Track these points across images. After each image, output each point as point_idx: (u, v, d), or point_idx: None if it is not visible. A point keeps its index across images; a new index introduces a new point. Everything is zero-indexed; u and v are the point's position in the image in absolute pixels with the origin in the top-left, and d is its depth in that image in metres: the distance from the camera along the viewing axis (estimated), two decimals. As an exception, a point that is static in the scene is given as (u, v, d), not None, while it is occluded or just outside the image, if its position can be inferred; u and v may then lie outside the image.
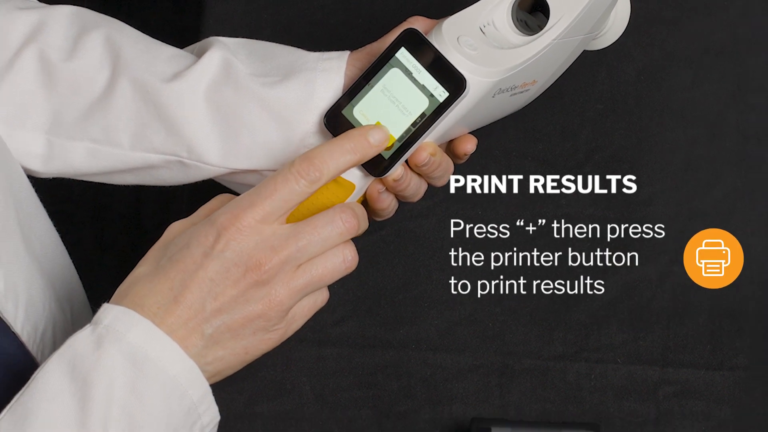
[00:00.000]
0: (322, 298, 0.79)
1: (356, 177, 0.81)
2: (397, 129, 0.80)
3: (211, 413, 0.76)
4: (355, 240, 0.85)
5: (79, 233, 1.72)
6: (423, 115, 0.80)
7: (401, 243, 1.06)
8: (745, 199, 1.07)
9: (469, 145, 0.87)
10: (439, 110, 0.79)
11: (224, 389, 0.86)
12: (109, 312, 0.74)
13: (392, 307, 1.05)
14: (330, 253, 0.77)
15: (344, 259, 0.77)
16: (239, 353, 0.76)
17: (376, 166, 0.80)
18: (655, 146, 1.08)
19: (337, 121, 0.81)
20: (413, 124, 0.80)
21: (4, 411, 0.72)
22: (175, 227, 0.78)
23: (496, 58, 0.80)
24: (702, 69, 1.09)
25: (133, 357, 0.73)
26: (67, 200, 1.77)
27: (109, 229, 1.76)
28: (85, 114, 0.89)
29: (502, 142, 1.07)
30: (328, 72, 0.86)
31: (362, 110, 0.81)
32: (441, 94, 0.80)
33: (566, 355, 1.04)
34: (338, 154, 0.77)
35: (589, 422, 1.00)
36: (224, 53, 0.88)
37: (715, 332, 1.03)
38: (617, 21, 1.01)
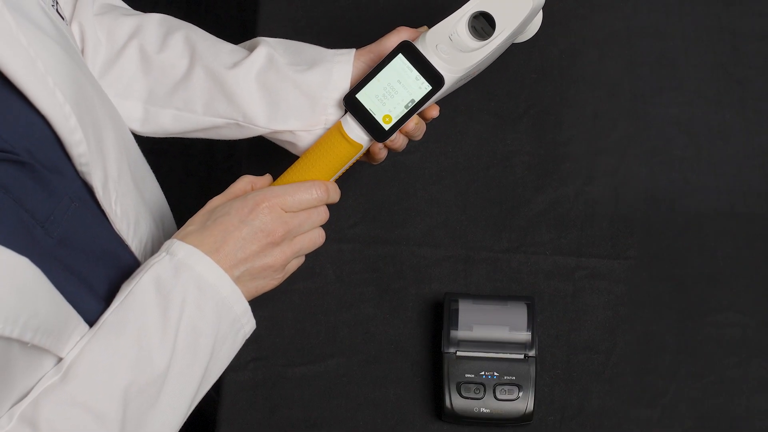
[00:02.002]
0: (302, 261, 0.92)
1: (364, 140, 0.95)
2: (396, 111, 0.94)
3: (251, 325, 0.88)
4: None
5: (170, 164, 1.82)
6: (413, 101, 0.94)
7: (396, 170, 1.15)
8: (635, 140, 1.17)
9: (435, 112, 0.98)
10: (424, 98, 0.94)
11: None
12: (181, 248, 0.84)
13: (390, 215, 1.13)
14: (312, 232, 0.90)
15: (319, 237, 0.91)
16: (251, 291, 0.88)
17: (380, 135, 0.94)
18: (572, 104, 1.19)
19: (351, 102, 0.94)
20: (405, 107, 0.94)
21: (110, 310, 0.81)
22: (214, 201, 0.89)
23: (460, 59, 0.93)
24: (605, 49, 1.22)
25: (198, 282, 0.83)
26: (163, 140, 1.81)
27: (192, 161, 1.85)
28: (171, 90, 0.99)
29: (466, 101, 1.19)
30: (341, 63, 0.97)
31: (370, 96, 0.94)
32: (426, 87, 0.93)
33: (511, 249, 1.12)
34: (335, 194, 0.92)
35: (527, 296, 1.05)
36: (268, 49, 0.98)
37: (614, 233, 1.12)
38: (534, 23, 1.04)
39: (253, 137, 1.01)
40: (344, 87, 0.96)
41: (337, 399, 1.05)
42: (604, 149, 1.17)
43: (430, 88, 0.93)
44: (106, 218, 0.84)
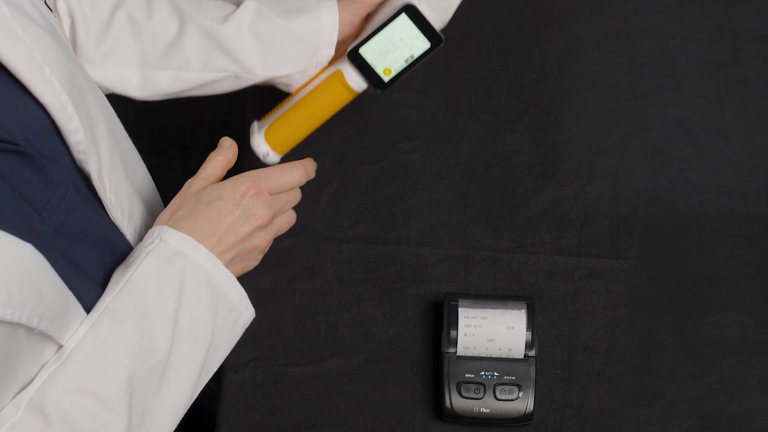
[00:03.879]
0: (270, 244, 0.95)
1: (362, 88, 1.03)
2: (396, 65, 1.01)
3: (249, 313, 0.90)
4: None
5: (170, 164, 1.83)
6: (412, 56, 1.01)
7: (396, 171, 1.15)
8: (635, 140, 1.17)
9: None
10: (423, 55, 1.01)
11: (272, 272, 1.07)
12: (174, 235, 0.85)
13: (390, 215, 1.13)
14: (289, 213, 0.95)
15: (293, 218, 0.96)
16: (238, 271, 0.91)
17: (380, 85, 1.02)
18: (572, 104, 1.19)
19: (355, 56, 1.01)
20: (405, 61, 1.01)
21: (109, 297, 0.81)
22: (196, 183, 0.90)
23: (445, 6, 1.00)
24: (605, 49, 1.22)
25: (194, 270, 0.85)
26: (163, 140, 1.88)
27: (192, 161, 1.86)
28: (165, 52, 1.01)
29: (466, 101, 1.18)
30: (327, 9, 1.02)
31: (372, 51, 1.01)
32: (426, 44, 1.01)
33: (511, 249, 1.11)
34: (312, 172, 0.95)
35: (526, 296, 1.04)
36: (254, 2, 1.02)
37: (614, 233, 1.12)
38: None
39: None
40: (333, 29, 1.02)
41: (337, 399, 1.05)
42: (604, 149, 1.17)
43: (430, 45, 1.00)
44: (101, 206, 0.85)
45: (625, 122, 1.18)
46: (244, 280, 1.07)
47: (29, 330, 0.73)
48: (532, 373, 1.01)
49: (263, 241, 0.91)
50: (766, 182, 1.15)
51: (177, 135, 1.90)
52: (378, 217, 1.13)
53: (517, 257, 1.12)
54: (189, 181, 0.91)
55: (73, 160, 0.81)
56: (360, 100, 1.19)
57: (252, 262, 0.92)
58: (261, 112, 1.16)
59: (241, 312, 0.89)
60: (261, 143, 1.05)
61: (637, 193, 1.15)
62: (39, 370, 0.78)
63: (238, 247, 0.88)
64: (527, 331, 1.02)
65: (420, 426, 1.04)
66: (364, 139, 1.17)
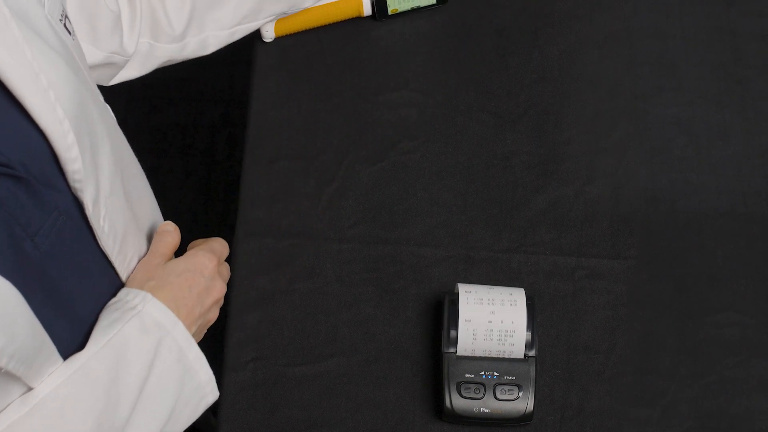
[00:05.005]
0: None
1: (368, 11, 1.20)
2: (401, 6, 1.20)
3: (214, 395, 0.90)
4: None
5: (170, 164, 1.82)
6: (419, 6, 1.21)
7: (396, 170, 1.15)
8: (635, 140, 1.17)
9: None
10: (427, 6, 1.21)
11: (272, 273, 1.08)
12: (155, 305, 0.86)
13: (390, 215, 1.13)
14: (221, 285, 0.94)
15: (221, 293, 0.94)
16: (201, 335, 0.93)
17: (383, 15, 1.20)
18: (572, 104, 1.19)
19: (382, 3, 1.19)
20: (411, 7, 1.20)
21: (87, 354, 0.81)
22: (154, 259, 0.91)
23: None
24: (605, 49, 1.22)
25: (169, 345, 0.85)
26: (163, 140, 1.87)
27: (192, 161, 1.86)
28: (236, 8, 1.10)
29: (466, 101, 1.19)
30: None
31: None
32: (432, 0, 1.21)
33: (511, 249, 1.11)
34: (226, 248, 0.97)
35: (527, 296, 1.03)
36: None
37: (614, 233, 1.12)
38: None
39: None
40: None
41: (337, 399, 1.05)
42: (604, 149, 1.17)
43: (435, 2, 1.22)
44: (91, 233, 0.84)
45: (625, 122, 1.19)
46: (245, 279, 1.10)
47: None
48: (532, 373, 1.01)
49: (216, 314, 0.93)
50: (766, 182, 1.16)
51: (177, 135, 1.91)
52: (378, 217, 1.14)
53: (517, 257, 1.12)
54: (145, 258, 0.91)
55: (68, 186, 0.80)
56: (360, 100, 1.19)
57: (201, 335, 0.94)
58: (261, 111, 1.16)
59: (206, 393, 0.90)
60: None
61: (637, 193, 1.15)
62: (2, 410, 0.77)
63: (202, 318, 0.90)
64: (527, 331, 1.01)
65: (420, 426, 1.04)
66: (364, 139, 1.17)
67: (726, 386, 1.06)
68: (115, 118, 0.94)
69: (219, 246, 0.94)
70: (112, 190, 0.85)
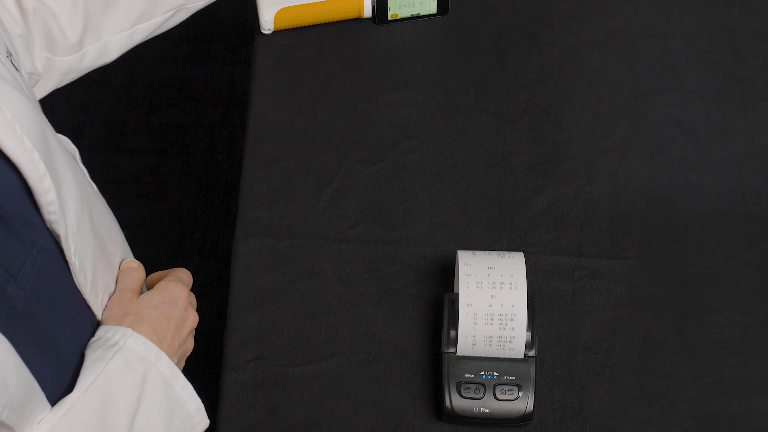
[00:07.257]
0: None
1: (368, 13, 1.20)
2: (402, 12, 1.21)
3: (204, 424, 0.90)
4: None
5: (170, 164, 1.81)
6: (418, 14, 1.22)
7: (396, 170, 1.16)
8: (635, 140, 1.18)
9: None
10: (426, 16, 1.22)
11: (273, 273, 1.09)
12: (137, 340, 0.85)
13: (390, 215, 1.14)
14: (194, 314, 0.94)
15: (195, 322, 0.94)
16: (182, 364, 0.93)
17: (382, 20, 1.22)
18: (572, 104, 1.20)
19: (383, 8, 1.20)
20: (411, 15, 1.22)
21: (74, 396, 0.80)
22: (125, 294, 0.90)
23: None
24: (605, 49, 1.23)
25: (155, 378, 0.85)
26: (163, 140, 1.86)
27: (192, 161, 1.86)
28: (127, 13, 1.03)
29: (466, 101, 1.20)
30: None
31: (399, 2, 1.20)
32: (433, 9, 1.22)
33: (511, 249, 1.11)
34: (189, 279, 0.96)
35: (527, 296, 1.01)
36: None
37: (614, 233, 1.13)
38: None
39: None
40: None
41: (337, 399, 1.05)
42: (604, 149, 1.18)
43: (436, 12, 1.23)
44: (69, 270, 0.83)
45: (625, 122, 1.19)
46: (245, 279, 1.10)
47: None
48: (532, 373, 1.01)
49: (192, 344, 0.94)
50: (766, 182, 1.16)
51: (177, 135, 1.91)
52: (378, 217, 1.14)
53: (517, 257, 1.12)
54: (115, 295, 0.91)
55: (43, 221, 0.78)
56: (360, 100, 1.20)
57: (182, 366, 0.93)
58: (261, 111, 1.16)
59: (197, 423, 0.90)
60: (268, 13, 1.20)
61: (637, 193, 1.15)
62: None
63: (181, 349, 0.91)
64: (527, 330, 1.01)
65: (420, 426, 1.04)
66: (364, 139, 1.18)
67: (726, 386, 1.06)
68: (77, 150, 0.95)
69: (185, 276, 0.95)
70: (80, 225, 0.83)
